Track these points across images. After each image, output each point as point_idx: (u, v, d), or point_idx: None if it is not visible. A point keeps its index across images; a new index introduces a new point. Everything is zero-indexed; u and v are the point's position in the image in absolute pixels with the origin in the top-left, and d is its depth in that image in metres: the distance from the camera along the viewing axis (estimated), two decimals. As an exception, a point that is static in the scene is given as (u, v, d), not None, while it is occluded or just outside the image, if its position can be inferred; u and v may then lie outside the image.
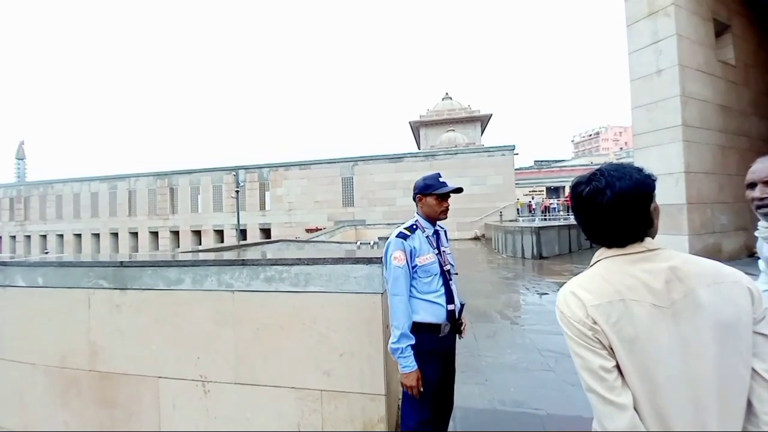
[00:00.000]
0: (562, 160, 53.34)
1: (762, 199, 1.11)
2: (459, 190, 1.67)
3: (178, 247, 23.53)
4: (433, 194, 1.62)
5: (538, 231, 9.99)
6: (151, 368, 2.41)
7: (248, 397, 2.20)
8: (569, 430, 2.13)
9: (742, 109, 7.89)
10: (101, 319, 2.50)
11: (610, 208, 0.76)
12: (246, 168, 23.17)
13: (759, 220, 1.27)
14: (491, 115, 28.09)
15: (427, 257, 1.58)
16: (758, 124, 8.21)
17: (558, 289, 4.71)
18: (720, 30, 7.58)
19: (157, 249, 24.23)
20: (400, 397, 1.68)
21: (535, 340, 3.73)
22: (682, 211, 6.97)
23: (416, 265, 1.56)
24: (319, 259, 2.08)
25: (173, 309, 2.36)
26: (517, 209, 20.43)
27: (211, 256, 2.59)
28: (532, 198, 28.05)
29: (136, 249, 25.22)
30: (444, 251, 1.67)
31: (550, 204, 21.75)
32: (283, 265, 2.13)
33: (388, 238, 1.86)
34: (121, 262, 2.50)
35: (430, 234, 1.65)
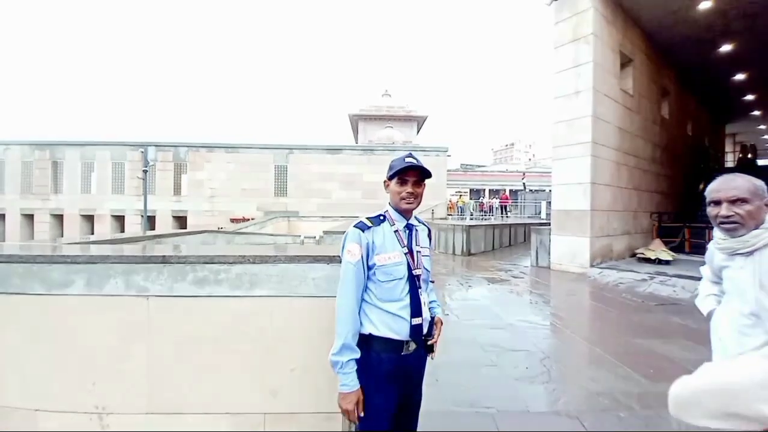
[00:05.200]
0: (484, 166, 58.12)
1: (728, 216, 1.17)
2: (425, 172, 1.29)
3: (62, 235, 19.51)
4: (394, 177, 1.29)
5: (468, 229, 10.60)
6: (26, 398, 1.80)
7: (165, 430, 1.76)
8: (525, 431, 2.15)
9: (634, 133, 9.38)
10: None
11: None
12: (158, 145, 20.09)
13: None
14: (427, 116, 29.12)
15: (390, 256, 1.26)
16: (644, 146, 9.86)
17: (488, 284, 4.86)
18: (624, 62, 8.85)
19: (32, 236, 19.76)
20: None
21: (476, 336, 3.83)
22: (587, 216, 8.01)
23: (374, 264, 1.25)
24: (269, 256, 1.74)
25: (58, 320, 1.78)
26: (460, 207, 21.45)
27: (107, 249, 2.02)
28: (483, 197, 30.15)
29: (2, 236, 20.22)
30: (418, 252, 1.34)
31: (492, 204, 23.22)
32: (221, 263, 1.73)
33: (333, 232, 1.54)
34: (-27, 255, 1.80)
35: (401, 229, 1.32)
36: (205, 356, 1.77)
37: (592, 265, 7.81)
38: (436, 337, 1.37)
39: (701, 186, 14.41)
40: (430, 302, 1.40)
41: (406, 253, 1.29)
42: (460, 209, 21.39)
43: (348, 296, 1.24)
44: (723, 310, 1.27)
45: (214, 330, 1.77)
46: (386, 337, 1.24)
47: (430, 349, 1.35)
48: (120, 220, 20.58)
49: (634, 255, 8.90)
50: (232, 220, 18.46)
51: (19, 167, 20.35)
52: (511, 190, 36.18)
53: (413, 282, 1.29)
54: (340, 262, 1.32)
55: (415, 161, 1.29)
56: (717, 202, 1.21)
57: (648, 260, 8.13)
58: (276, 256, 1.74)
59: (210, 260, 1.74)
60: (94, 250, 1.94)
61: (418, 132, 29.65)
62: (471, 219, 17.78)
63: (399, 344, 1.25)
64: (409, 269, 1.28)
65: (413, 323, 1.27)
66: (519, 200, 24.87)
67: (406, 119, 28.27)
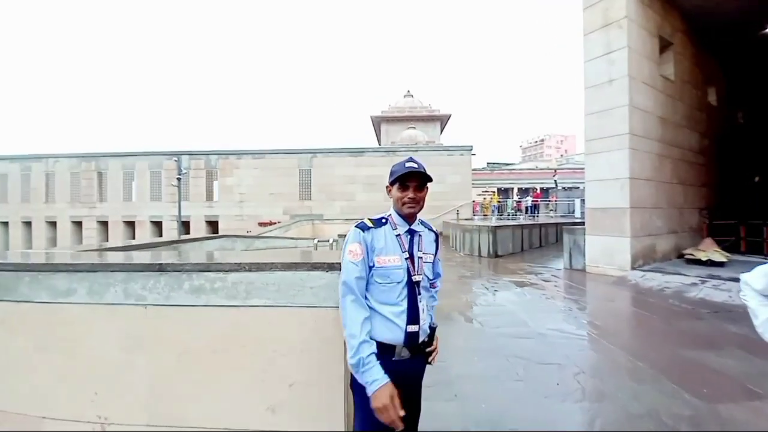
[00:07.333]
0: (512, 164, 56.30)
1: None
2: (425, 177, 1.27)
3: (107, 240, 20.91)
4: (395, 182, 1.29)
5: (494, 230, 10.18)
6: (34, 405, 1.80)
7: (166, 443, 1.70)
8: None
9: (677, 122, 8.61)
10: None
11: None
12: (190, 154, 21.18)
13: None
14: (450, 115, 28.62)
15: (389, 258, 1.24)
16: (689, 137, 9.03)
17: (516, 289, 4.55)
18: (663, 46, 8.15)
19: (81, 242, 21.32)
20: None
21: (500, 345, 3.57)
22: (626, 214, 7.41)
23: (373, 265, 1.23)
24: (265, 264, 1.63)
25: (62, 329, 1.77)
26: (496, 207, 20.79)
27: (120, 257, 2.01)
28: (511, 196, 29.23)
29: (54, 241, 22.00)
30: (420, 258, 1.30)
31: (523, 204, 22.11)
32: (217, 271, 1.65)
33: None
34: (-13, 264, 1.84)
35: (402, 233, 1.30)
36: (204, 369, 1.70)
37: (633, 268, 7.21)
38: (435, 346, 1.32)
39: (757, 178, 13.03)
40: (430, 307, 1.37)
41: (406, 258, 1.26)
42: (495, 209, 20.66)
43: (353, 293, 1.21)
44: None
45: (211, 341, 1.69)
46: (378, 341, 1.21)
47: (426, 357, 1.31)
48: (158, 225, 21.77)
49: (681, 256, 8.12)
50: (260, 224, 18.95)
51: (67, 178, 22.07)
52: (542, 188, 34.77)
53: (412, 288, 1.25)
54: (341, 268, 1.27)
55: (415, 166, 1.26)
56: None
57: (698, 262, 7.38)
58: (273, 263, 1.64)
59: (206, 268, 1.66)
60: (99, 259, 1.93)
61: (441, 131, 29.20)
62: (499, 219, 17.16)
63: (391, 348, 1.22)
64: (409, 274, 1.25)
65: (408, 330, 1.23)
66: (551, 198, 23.71)
67: (429, 119, 27.93)
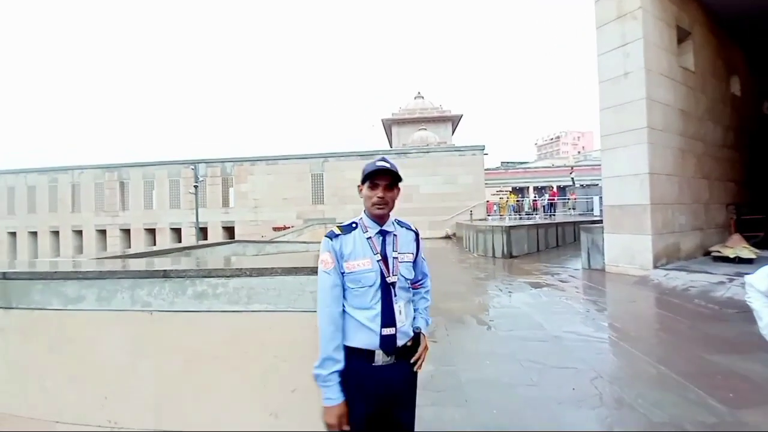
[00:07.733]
0: (526, 162, 55.24)
1: None
2: (395, 176, 1.22)
3: (129, 247, 21.65)
4: (365, 181, 1.25)
5: (508, 230, 9.99)
6: (47, 409, 1.85)
7: (172, 448, 1.71)
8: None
9: (699, 115, 8.25)
10: (-23, 346, 1.91)
11: None
12: (207, 162, 21.75)
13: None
14: (462, 115, 28.39)
15: (359, 263, 1.21)
16: (713, 130, 8.64)
17: (532, 290, 4.41)
18: (682, 37, 7.84)
19: (105, 249, 22.15)
20: None
21: (514, 349, 3.47)
22: (646, 211, 7.13)
23: (343, 272, 1.22)
24: (266, 269, 1.63)
25: (73, 334, 1.82)
26: (513, 207, 20.52)
27: (143, 264, 2.05)
28: (527, 195, 28.83)
29: (80, 249, 22.95)
30: (394, 259, 1.25)
31: (539, 203, 21.82)
32: (219, 277, 1.66)
33: None
34: (4, 273, 1.91)
35: (373, 235, 1.26)
36: (208, 373, 1.71)
37: (656, 267, 6.91)
38: (419, 352, 1.27)
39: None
40: (415, 310, 1.33)
41: (378, 261, 1.23)
42: (513, 209, 20.36)
43: (326, 305, 1.19)
44: None
45: (214, 346, 1.70)
46: (353, 346, 1.18)
47: (410, 361, 1.26)
48: (177, 232, 22.38)
49: (708, 254, 7.75)
50: (275, 229, 19.21)
51: (92, 188, 22.99)
52: (558, 187, 33.96)
53: (386, 290, 1.22)
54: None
55: (387, 165, 1.23)
56: None
57: (725, 259, 7.02)
58: (273, 268, 1.63)
59: (208, 274, 1.67)
60: (108, 267, 1.98)
61: (453, 132, 28.98)
62: (512, 218, 16.85)
63: (370, 354, 1.18)
64: (382, 277, 1.22)
65: (383, 333, 1.18)
66: (568, 197, 23.10)
67: (440, 120, 27.78)
